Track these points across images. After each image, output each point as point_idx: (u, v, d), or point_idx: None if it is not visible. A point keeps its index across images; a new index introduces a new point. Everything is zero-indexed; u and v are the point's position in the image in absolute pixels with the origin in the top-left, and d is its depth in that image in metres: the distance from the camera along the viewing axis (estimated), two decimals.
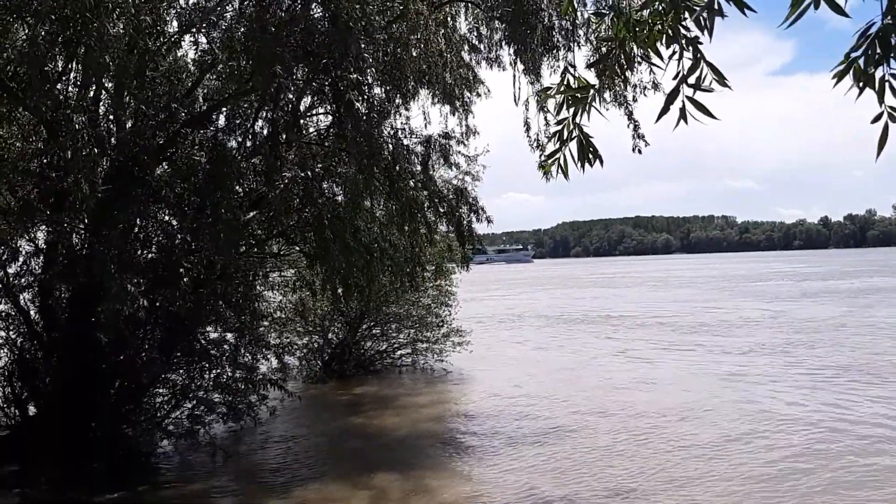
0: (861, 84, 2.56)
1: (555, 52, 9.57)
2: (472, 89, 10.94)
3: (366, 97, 8.75)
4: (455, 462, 10.06)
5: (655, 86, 9.81)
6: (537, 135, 9.94)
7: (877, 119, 2.59)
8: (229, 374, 10.53)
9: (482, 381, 16.23)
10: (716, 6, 2.61)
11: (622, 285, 59.01)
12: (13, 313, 10.05)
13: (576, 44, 9.81)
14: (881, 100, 2.56)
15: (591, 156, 3.20)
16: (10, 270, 9.82)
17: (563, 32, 9.76)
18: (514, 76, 9.73)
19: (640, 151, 9.58)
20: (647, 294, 46.06)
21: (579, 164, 3.20)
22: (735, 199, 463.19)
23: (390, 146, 9.47)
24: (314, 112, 11.03)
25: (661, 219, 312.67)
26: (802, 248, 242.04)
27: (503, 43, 10.55)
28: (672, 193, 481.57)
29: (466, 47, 10.67)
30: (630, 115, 9.91)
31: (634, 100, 10.01)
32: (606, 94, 9.38)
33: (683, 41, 2.80)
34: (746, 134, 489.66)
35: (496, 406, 13.35)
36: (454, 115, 10.52)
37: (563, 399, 13.76)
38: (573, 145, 3.19)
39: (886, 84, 2.54)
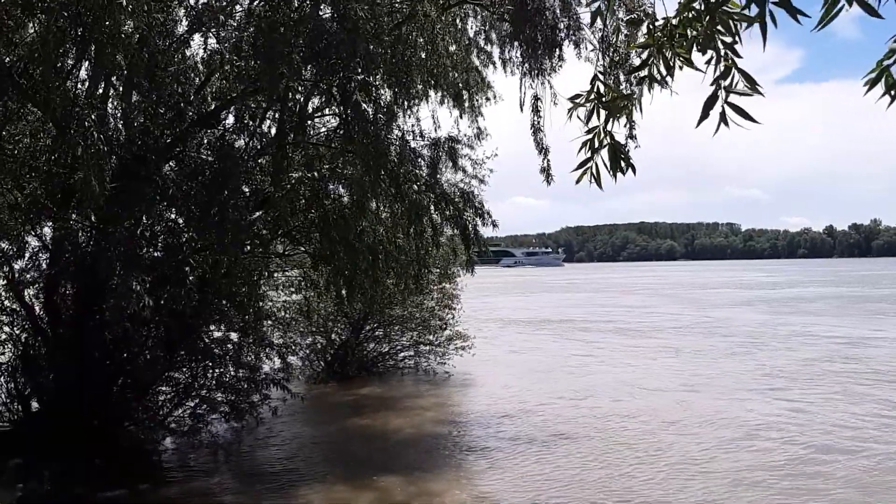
0: (893, 92, 2.56)
1: (557, 49, 9.46)
2: (482, 91, 10.96)
3: (373, 99, 8.76)
4: (458, 465, 10.06)
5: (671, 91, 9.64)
6: (542, 139, 9.91)
7: None
8: (232, 373, 10.55)
9: (485, 385, 16.22)
10: (767, 15, 2.58)
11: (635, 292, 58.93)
12: (18, 309, 10.09)
13: (576, 44, 9.70)
14: None
15: (622, 164, 3.15)
16: (17, 266, 9.85)
17: (566, 31, 9.67)
18: (521, 81, 9.72)
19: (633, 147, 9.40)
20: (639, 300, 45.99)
21: (612, 173, 3.16)
22: (740, 208, 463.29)
23: (397, 148, 9.49)
24: (321, 113, 11.06)
25: (666, 225, 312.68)
26: (807, 256, 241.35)
27: (510, 45, 10.55)
28: (677, 200, 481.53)
29: (475, 50, 10.67)
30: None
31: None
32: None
33: (721, 45, 2.78)
34: (753, 142, 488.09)
35: (499, 409, 13.34)
36: (462, 117, 10.54)
37: (566, 404, 13.75)
38: (604, 153, 3.15)
39: None
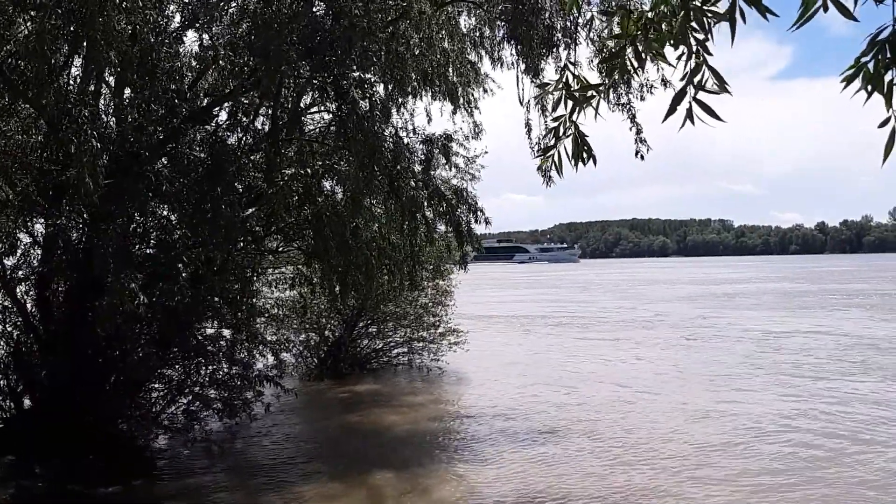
0: (869, 88, 2.59)
1: (556, 51, 9.51)
2: (477, 85, 10.94)
3: (368, 95, 8.76)
4: (451, 461, 10.10)
5: (665, 83, 9.64)
6: (539, 137, 9.93)
7: (884, 124, 2.62)
8: (225, 370, 10.55)
9: (478, 381, 16.27)
10: (737, 11, 2.63)
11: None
12: (9, 305, 10.04)
13: (576, 43, 9.74)
14: (889, 104, 2.58)
15: (584, 154, 3.22)
16: (8, 263, 9.81)
17: (564, 31, 9.72)
18: (518, 77, 9.71)
19: (642, 157, 9.46)
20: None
21: (573, 162, 3.23)
22: (733, 203, 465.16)
23: (391, 145, 9.49)
24: (315, 109, 11.05)
25: (658, 221, 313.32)
26: (799, 252, 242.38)
27: (505, 43, 10.56)
28: (670, 196, 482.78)
29: (469, 47, 10.66)
30: (633, 119, 9.80)
31: (642, 98, 9.86)
32: (610, 95, 9.39)
33: (693, 42, 2.82)
34: (746, 138, 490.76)
35: (492, 405, 13.40)
36: (456, 112, 10.52)
37: (559, 399, 13.81)
38: (568, 143, 3.22)
39: (895, 88, 2.57)
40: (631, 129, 9.75)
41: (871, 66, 2.57)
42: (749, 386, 14.79)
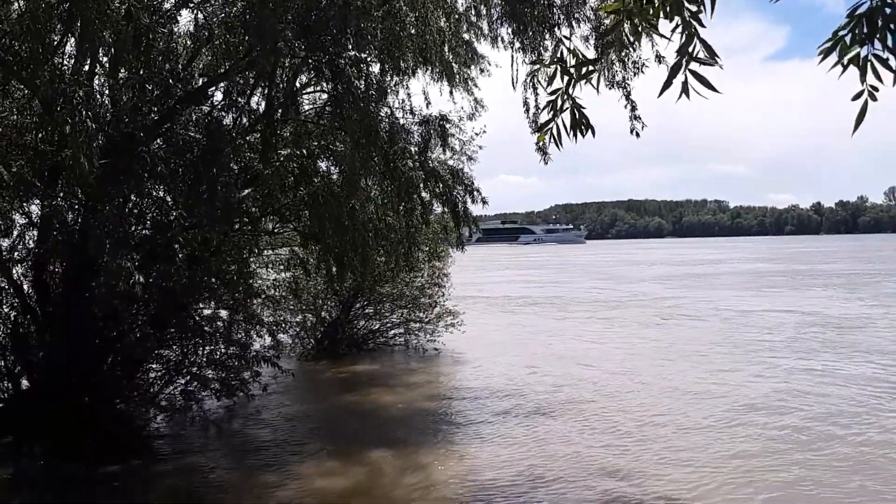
0: (845, 62, 2.66)
1: (555, 30, 9.48)
2: (474, 64, 10.90)
3: (364, 75, 8.73)
4: (448, 440, 10.19)
5: (659, 58, 9.65)
6: (536, 115, 9.91)
7: (857, 97, 2.71)
8: (223, 350, 10.57)
9: (474, 361, 16.35)
10: None
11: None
12: (6, 287, 10.05)
13: (576, 20, 9.71)
14: (863, 78, 2.66)
15: (582, 126, 3.28)
16: (4, 244, 9.81)
17: (562, 9, 9.69)
18: (512, 57, 9.68)
19: (637, 134, 9.49)
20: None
21: (571, 135, 3.29)
22: (728, 184, 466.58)
23: (387, 125, 9.47)
24: (310, 89, 11.01)
25: (654, 202, 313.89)
26: (794, 233, 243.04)
27: (501, 21, 10.50)
28: (665, 177, 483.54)
29: (465, 25, 10.61)
30: (627, 96, 9.81)
31: (636, 74, 9.84)
32: (605, 73, 9.39)
33: (687, 14, 2.85)
34: (740, 119, 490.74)
35: (488, 384, 13.49)
36: (454, 91, 10.50)
37: (554, 379, 13.90)
38: (566, 116, 3.28)
39: (869, 63, 2.64)
40: (626, 106, 9.75)
41: (847, 39, 2.62)
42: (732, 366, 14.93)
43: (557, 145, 3.30)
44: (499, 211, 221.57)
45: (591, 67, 3.26)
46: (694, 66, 2.86)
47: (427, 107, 10.77)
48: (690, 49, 2.86)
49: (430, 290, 17.61)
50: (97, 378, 9.66)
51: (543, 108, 3.33)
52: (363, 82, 8.76)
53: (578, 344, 18.87)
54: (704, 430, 10.20)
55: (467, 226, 12.29)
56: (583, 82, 3.27)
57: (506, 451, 9.41)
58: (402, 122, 10.38)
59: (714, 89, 2.88)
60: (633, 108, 9.69)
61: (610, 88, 9.68)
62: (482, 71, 11.32)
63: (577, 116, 3.25)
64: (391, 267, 13.07)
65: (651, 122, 9.73)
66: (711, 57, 2.86)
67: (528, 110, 9.74)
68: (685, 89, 2.88)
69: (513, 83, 9.58)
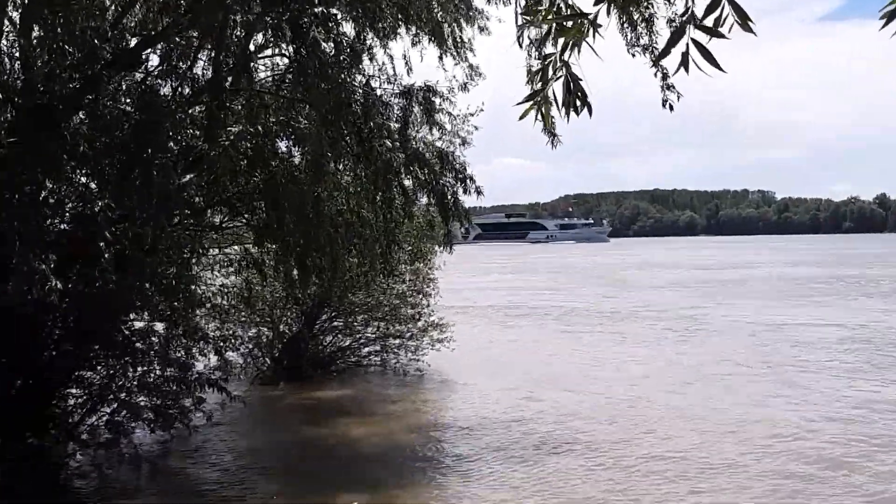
0: None
1: None
2: (469, 22, 10.85)
3: (333, 36, 8.73)
4: (433, 481, 10.20)
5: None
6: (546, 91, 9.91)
7: None
8: (158, 372, 10.57)
9: (464, 385, 16.38)
10: None
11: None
12: None
13: None
14: None
15: (577, 101, 3.12)
16: None
17: None
18: (516, 10, 9.67)
19: (671, 107, 9.33)
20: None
21: (562, 112, 3.15)
22: (774, 172, 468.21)
23: (361, 97, 9.47)
24: (268, 53, 10.99)
25: (685, 193, 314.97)
26: (854, 231, 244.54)
27: None
28: (698, 163, 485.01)
29: None
30: (656, 62, 9.71)
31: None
32: (627, 33, 9.35)
33: None
34: (788, 94, 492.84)
35: (480, 414, 13.52)
36: (444, 57, 10.47)
37: (556, 405, 13.95)
38: (558, 87, 3.12)
39: None
40: (656, 74, 9.63)
41: None
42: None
43: (545, 123, 3.19)
44: (496, 202, 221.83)
45: (585, 22, 3.02)
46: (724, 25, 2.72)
47: (408, 74, 10.78)
48: (716, 13, 2.72)
49: (413, 298, 17.60)
50: (3, 406, 9.61)
51: (531, 78, 3.16)
52: (332, 45, 8.76)
53: (596, 363, 18.94)
54: (730, 468, 10.26)
55: (458, 220, 12.30)
56: (579, 47, 3.06)
57: (501, 494, 9.43)
58: (379, 93, 10.39)
59: (718, 66, 2.77)
60: (665, 77, 9.54)
61: (633, 56, 9.65)
62: (481, 30, 11.29)
63: (573, 88, 3.10)
64: (365, 270, 13.05)
65: (682, 98, 9.61)
66: (744, 22, 2.73)
67: (531, 80, 9.73)
68: (685, 62, 2.79)
69: (518, 42, 9.56)
